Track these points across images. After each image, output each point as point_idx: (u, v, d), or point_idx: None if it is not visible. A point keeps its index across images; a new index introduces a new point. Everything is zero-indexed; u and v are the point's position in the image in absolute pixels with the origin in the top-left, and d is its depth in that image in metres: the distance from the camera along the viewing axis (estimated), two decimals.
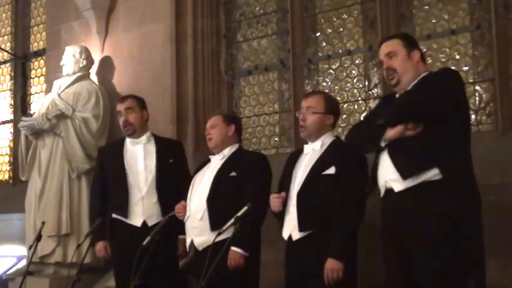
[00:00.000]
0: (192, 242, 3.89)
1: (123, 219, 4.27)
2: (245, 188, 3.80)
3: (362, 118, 3.56)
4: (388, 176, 3.08)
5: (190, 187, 4.00)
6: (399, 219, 3.04)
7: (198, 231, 3.84)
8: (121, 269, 4.28)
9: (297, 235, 3.49)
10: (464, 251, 2.94)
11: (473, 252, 2.99)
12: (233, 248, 3.68)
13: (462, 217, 2.94)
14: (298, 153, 3.74)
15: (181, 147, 4.63)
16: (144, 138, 4.42)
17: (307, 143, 3.69)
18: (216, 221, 3.70)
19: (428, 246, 2.93)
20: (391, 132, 3.05)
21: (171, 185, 4.24)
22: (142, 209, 4.25)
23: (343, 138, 4.13)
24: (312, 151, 3.62)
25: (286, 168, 3.71)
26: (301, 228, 3.46)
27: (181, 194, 4.03)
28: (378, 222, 3.27)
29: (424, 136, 2.99)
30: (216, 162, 4.00)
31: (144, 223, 4.22)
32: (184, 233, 4.08)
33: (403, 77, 3.17)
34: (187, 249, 4.00)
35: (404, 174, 2.98)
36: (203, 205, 3.84)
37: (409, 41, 3.29)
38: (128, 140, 4.45)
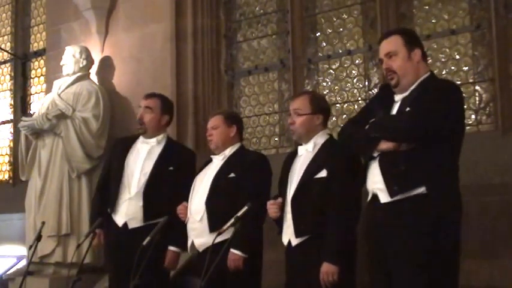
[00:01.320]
0: (192, 243, 3.89)
1: (111, 213, 4.27)
2: (244, 189, 3.78)
3: (357, 114, 3.45)
4: (376, 184, 3.06)
5: (192, 188, 3.99)
6: (381, 233, 3.02)
7: (197, 232, 3.84)
8: (109, 268, 4.38)
9: (295, 241, 3.48)
10: (444, 268, 2.93)
11: (452, 269, 2.97)
12: (232, 250, 3.67)
13: (444, 233, 2.92)
14: (293, 154, 3.72)
15: (190, 157, 4.41)
16: (154, 140, 4.31)
17: (301, 144, 3.68)
18: (214, 223, 3.69)
19: (407, 263, 2.91)
20: (384, 146, 3.01)
21: (163, 192, 4.14)
22: (127, 210, 4.19)
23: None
24: (306, 152, 3.60)
25: (283, 171, 3.69)
26: (297, 234, 3.45)
27: (173, 201, 3.98)
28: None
29: (415, 153, 2.95)
30: (217, 162, 3.99)
31: (125, 224, 4.18)
32: (174, 244, 4.08)
33: (402, 78, 3.11)
34: (188, 250, 3.99)
35: (392, 192, 2.97)
36: (202, 206, 3.83)
37: (410, 38, 3.19)
38: (139, 138, 4.38)
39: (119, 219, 4.22)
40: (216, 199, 3.80)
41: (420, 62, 3.15)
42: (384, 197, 3.01)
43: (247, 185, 3.80)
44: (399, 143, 2.98)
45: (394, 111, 3.14)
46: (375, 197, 3.08)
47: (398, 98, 3.16)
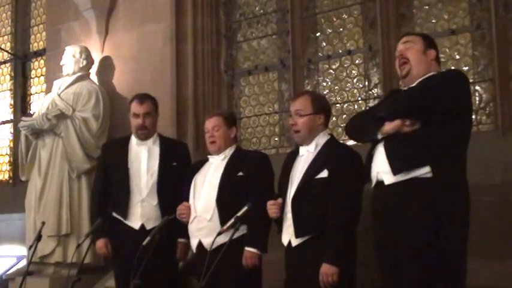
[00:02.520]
0: (199, 243, 3.85)
1: (122, 219, 4.28)
2: (253, 188, 3.80)
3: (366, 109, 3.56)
4: (381, 167, 3.08)
5: (192, 187, 3.98)
6: (387, 216, 3.04)
7: (207, 231, 3.81)
8: (120, 271, 4.31)
9: (295, 241, 3.48)
10: (447, 254, 2.94)
11: (456, 255, 2.99)
12: (247, 249, 3.71)
13: (448, 218, 2.95)
14: (294, 154, 3.72)
15: (186, 150, 4.59)
16: (150, 140, 4.40)
17: (302, 144, 3.68)
18: (226, 221, 3.65)
19: (412, 247, 2.93)
20: (388, 126, 3.05)
21: (173, 188, 4.19)
22: (141, 212, 4.24)
23: (342, 138, 4.09)
24: (307, 153, 3.60)
25: (284, 171, 3.69)
26: (297, 234, 3.45)
27: (183, 197, 4.01)
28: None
29: (420, 134, 3.00)
30: (217, 162, 3.99)
31: (143, 226, 4.22)
32: (183, 236, 4.07)
33: (414, 69, 3.18)
34: (194, 251, 3.97)
35: (395, 169, 3.00)
36: (212, 205, 3.83)
37: (429, 41, 3.31)
38: (133, 139, 4.43)
39: (135, 222, 4.24)
40: (227, 198, 3.81)
41: (433, 61, 3.24)
42: (389, 178, 3.03)
43: (256, 183, 3.83)
44: (403, 116, 3.00)
45: None
46: (379, 183, 3.10)
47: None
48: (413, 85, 3.16)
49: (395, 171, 2.99)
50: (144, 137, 4.38)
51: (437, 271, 2.91)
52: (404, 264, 2.97)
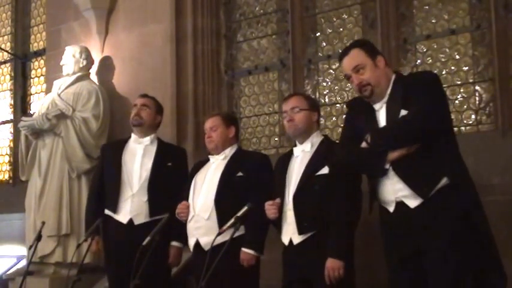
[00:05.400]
0: (197, 242, 3.86)
1: (112, 214, 4.29)
2: (253, 188, 3.79)
3: (344, 137, 3.38)
4: (399, 193, 3.03)
5: (192, 187, 3.99)
6: (417, 231, 3.00)
7: (204, 231, 3.82)
8: (111, 268, 4.36)
9: (297, 239, 3.47)
10: (484, 249, 2.99)
11: (492, 249, 3.03)
12: (245, 250, 3.71)
13: (476, 215, 2.99)
14: (287, 156, 3.72)
15: (183, 154, 4.60)
16: (147, 139, 4.43)
17: (296, 145, 3.68)
18: (224, 221, 3.65)
19: (449, 248, 2.92)
20: (394, 154, 2.99)
21: (165, 187, 4.22)
22: (131, 207, 4.24)
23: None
24: (303, 153, 3.61)
25: (278, 173, 3.69)
26: (300, 231, 3.45)
27: (174, 196, 4.02)
28: (375, 222, 3.27)
29: (425, 150, 2.97)
30: (218, 162, 3.99)
31: (131, 221, 4.23)
32: (177, 240, 4.08)
33: (376, 88, 3.12)
34: (191, 249, 3.97)
35: (424, 194, 2.96)
36: (210, 205, 3.83)
37: (370, 49, 3.22)
38: (131, 139, 4.47)
39: (123, 217, 4.25)
40: (225, 197, 3.81)
41: (386, 67, 3.18)
42: (414, 202, 2.99)
43: (256, 184, 3.82)
44: (413, 144, 2.96)
45: (382, 117, 3.13)
46: (399, 204, 3.05)
47: (379, 105, 3.16)
48: (386, 98, 3.10)
49: (424, 195, 2.96)
50: (137, 123, 4.42)
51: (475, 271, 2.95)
52: (440, 273, 2.94)
